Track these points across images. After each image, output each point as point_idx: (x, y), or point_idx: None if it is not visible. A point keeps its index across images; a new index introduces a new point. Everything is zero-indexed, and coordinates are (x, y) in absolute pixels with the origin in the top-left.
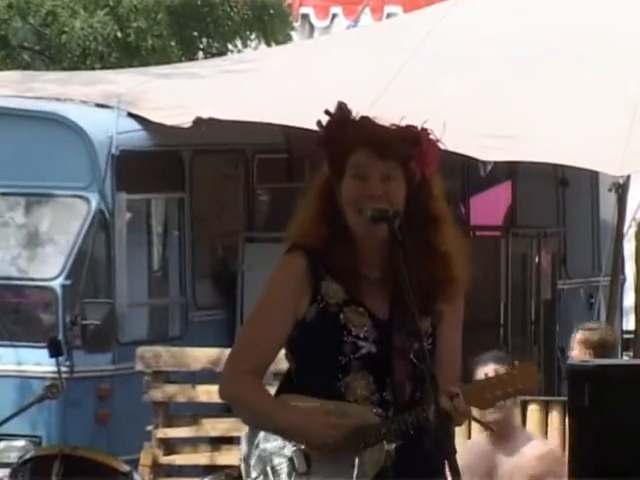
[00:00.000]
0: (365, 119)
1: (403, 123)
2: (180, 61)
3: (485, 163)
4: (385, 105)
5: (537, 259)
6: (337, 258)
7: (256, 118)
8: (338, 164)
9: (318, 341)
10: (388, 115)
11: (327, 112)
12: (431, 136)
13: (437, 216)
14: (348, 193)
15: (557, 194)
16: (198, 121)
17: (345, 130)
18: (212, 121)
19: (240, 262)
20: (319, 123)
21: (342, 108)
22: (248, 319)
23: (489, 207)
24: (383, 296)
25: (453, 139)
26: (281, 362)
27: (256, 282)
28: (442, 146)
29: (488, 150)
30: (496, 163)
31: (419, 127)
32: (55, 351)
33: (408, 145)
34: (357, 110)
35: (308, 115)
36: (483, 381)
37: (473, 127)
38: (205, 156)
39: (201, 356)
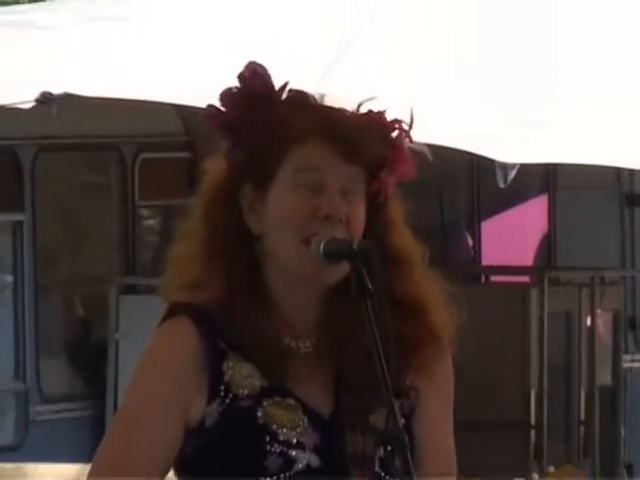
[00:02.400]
0: (300, 95)
1: (362, 108)
2: (17, 2)
3: (505, 168)
4: (341, 78)
5: (589, 320)
6: (247, 322)
7: (138, 95)
8: (265, 163)
9: (227, 455)
10: (342, 94)
11: (242, 77)
12: (404, 133)
13: (401, 254)
14: (289, 212)
15: (621, 217)
16: (45, 99)
17: (281, 108)
18: (68, 100)
19: (113, 325)
20: (228, 93)
21: (258, 72)
22: (112, 428)
23: (512, 237)
24: (320, 380)
25: (452, 129)
26: None
27: (138, 357)
28: (419, 147)
29: (509, 146)
30: (523, 167)
31: (386, 116)
32: None
33: (380, 143)
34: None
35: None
36: None
37: (483, 109)
38: (57, 156)
39: (49, 475)
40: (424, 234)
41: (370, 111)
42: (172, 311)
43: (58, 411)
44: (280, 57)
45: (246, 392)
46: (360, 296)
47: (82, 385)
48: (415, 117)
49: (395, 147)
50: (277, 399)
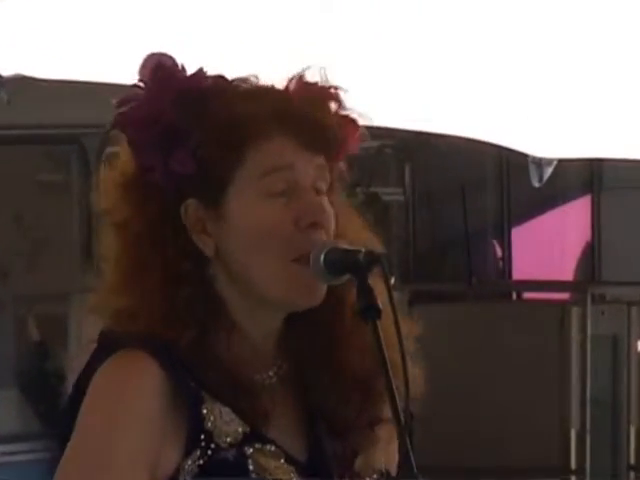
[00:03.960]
0: (235, 81)
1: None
2: None
3: (540, 164)
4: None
5: None
6: (215, 357)
7: (105, 77)
8: (215, 170)
9: None
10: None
11: (156, 70)
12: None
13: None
14: (270, 227)
15: None
16: None
17: (225, 100)
18: (21, 83)
19: (74, 351)
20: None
21: (168, 64)
22: None
23: (548, 247)
24: (289, 417)
25: (476, 118)
26: None
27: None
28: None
29: (545, 138)
30: (561, 164)
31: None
32: None
33: (335, 121)
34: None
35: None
36: None
37: (512, 94)
38: (7, 150)
39: None
40: (444, 243)
41: (304, 82)
42: (117, 342)
43: (10, 453)
44: (255, 30)
45: (228, 440)
46: (367, 317)
47: (38, 423)
48: (435, 106)
49: (348, 121)
50: (257, 446)
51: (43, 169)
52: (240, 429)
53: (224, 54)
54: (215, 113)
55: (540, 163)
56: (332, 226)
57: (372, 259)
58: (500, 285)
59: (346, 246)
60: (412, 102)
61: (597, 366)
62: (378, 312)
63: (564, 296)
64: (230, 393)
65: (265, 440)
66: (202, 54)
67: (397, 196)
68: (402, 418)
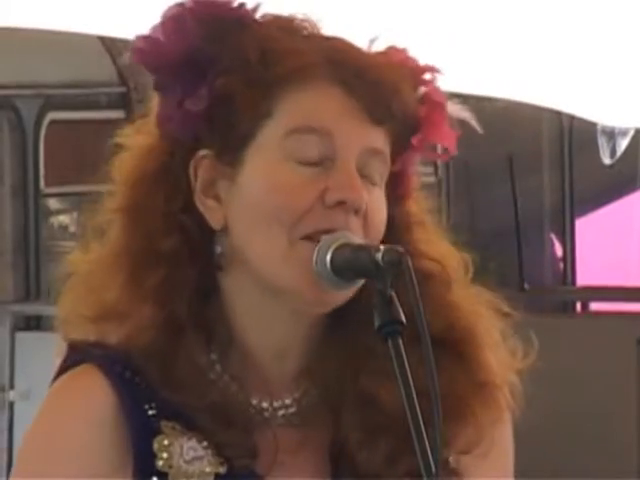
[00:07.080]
0: (286, 18)
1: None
2: None
3: (613, 135)
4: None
5: None
6: (192, 373)
7: (46, 24)
8: (239, 116)
9: None
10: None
11: None
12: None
13: (433, 266)
14: (280, 197)
15: None
16: None
17: (264, 33)
18: None
19: (5, 379)
20: (176, 16)
21: None
22: None
23: (622, 244)
24: (310, 460)
25: (529, 77)
26: None
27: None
28: (458, 111)
29: (618, 102)
30: (639, 134)
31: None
32: None
33: (413, 95)
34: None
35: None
36: None
37: (576, 49)
38: None
39: None
40: (487, 237)
41: (392, 48)
42: (75, 357)
43: None
44: None
45: None
46: (386, 332)
47: None
48: (489, 68)
49: (432, 103)
50: None
51: None
52: (209, 469)
53: None
54: (248, 45)
55: (612, 134)
56: (379, 222)
57: (393, 261)
58: (560, 293)
59: (361, 241)
60: (451, 61)
61: None
62: (401, 328)
63: None
64: (203, 420)
65: None
66: None
67: (427, 177)
68: (432, 466)
